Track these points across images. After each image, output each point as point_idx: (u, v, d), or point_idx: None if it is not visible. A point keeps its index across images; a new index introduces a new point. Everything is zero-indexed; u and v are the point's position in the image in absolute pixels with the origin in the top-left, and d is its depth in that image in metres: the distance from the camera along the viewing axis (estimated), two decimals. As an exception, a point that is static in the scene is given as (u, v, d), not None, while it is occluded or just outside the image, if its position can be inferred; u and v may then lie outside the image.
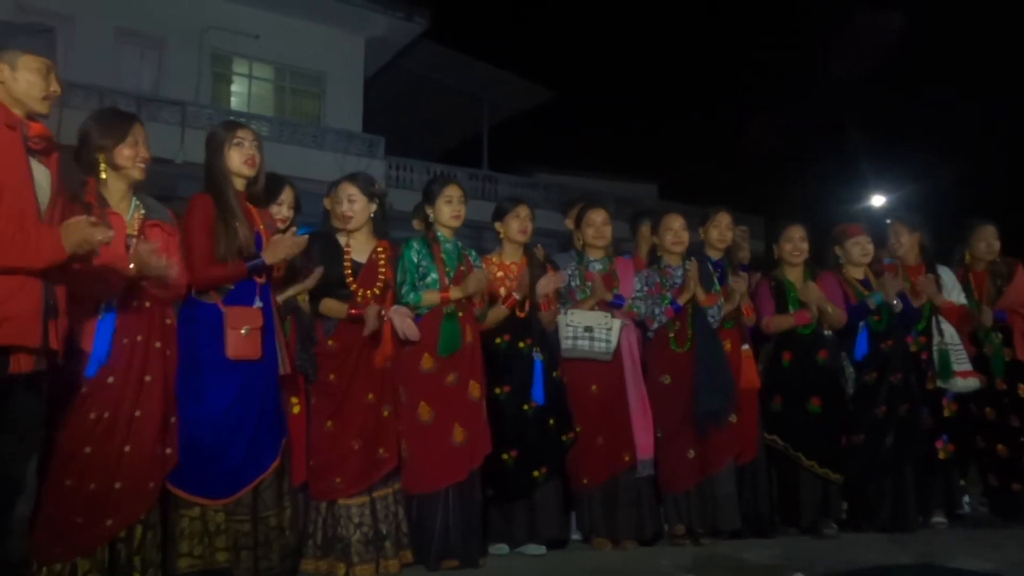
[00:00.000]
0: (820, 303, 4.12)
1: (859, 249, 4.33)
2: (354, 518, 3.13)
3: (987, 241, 4.62)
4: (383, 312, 3.22)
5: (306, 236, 2.96)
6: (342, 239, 3.39)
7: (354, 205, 3.36)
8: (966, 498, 4.76)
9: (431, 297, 3.41)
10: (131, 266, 2.54)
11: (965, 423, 4.45)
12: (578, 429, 3.74)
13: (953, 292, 4.53)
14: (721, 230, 4.18)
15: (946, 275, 4.56)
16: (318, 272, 3.17)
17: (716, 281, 4.07)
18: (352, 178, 3.42)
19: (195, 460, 2.71)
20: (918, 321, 4.39)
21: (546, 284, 3.70)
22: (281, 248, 2.83)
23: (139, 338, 2.65)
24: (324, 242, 3.34)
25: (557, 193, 17.63)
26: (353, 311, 3.22)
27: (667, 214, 4.16)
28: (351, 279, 3.30)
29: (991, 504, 4.60)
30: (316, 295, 3.26)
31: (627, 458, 3.75)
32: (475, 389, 3.42)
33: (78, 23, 13.34)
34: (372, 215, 3.39)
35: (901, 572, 3.18)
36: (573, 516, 3.87)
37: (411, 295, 3.41)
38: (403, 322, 3.24)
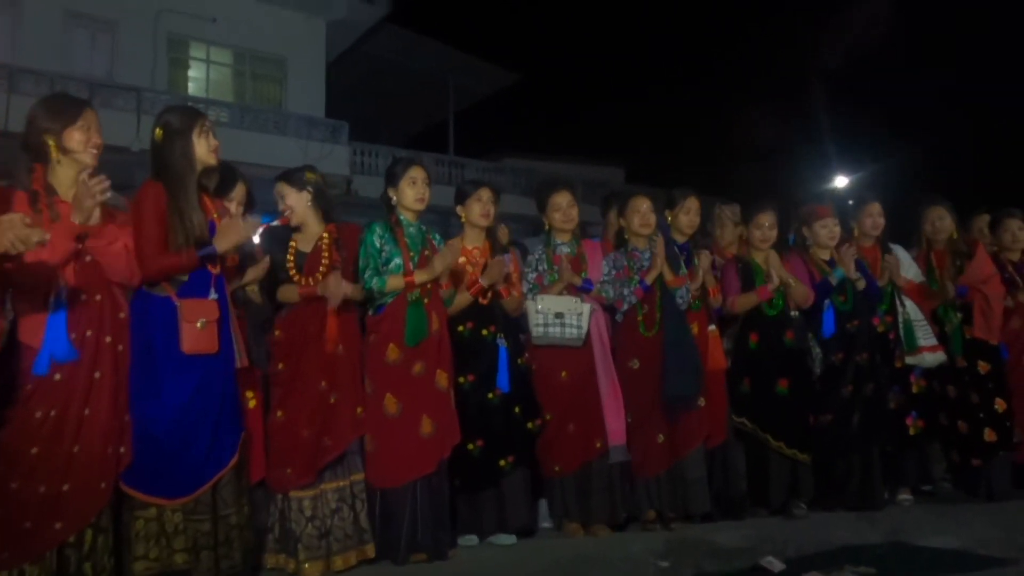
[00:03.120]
0: (782, 274, 4.09)
1: (826, 231, 4.32)
2: (305, 511, 3.06)
3: (931, 223, 4.65)
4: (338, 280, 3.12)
5: (258, 220, 2.86)
6: (290, 231, 3.29)
7: (287, 200, 3.28)
8: (930, 475, 4.82)
9: (395, 282, 3.33)
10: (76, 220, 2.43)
11: (931, 400, 4.51)
12: (547, 416, 3.71)
13: (910, 271, 4.56)
14: (691, 216, 4.14)
15: (901, 253, 4.60)
16: (266, 261, 3.09)
17: (683, 264, 4.04)
18: (282, 176, 3.34)
19: (151, 459, 2.59)
20: (881, 302, 4.42)
21: (489, 274, 3.60)
22: (233, 234, 2.71)
23: (89, 333, 2.52)
24: (274, 235, 3.27)
25: (524, 178, 17.58)
26: (302, 292, 3.14)
27: (634, 196, 4.11)
28: (294, 271, 3.20)
29: (954, 480, 4.67)
30: (271, 286, 3.18)
31: (599, 444, 3.71)
32: (442, 378, 3.35)
33: (24, 5, 12.89)
34: (311, 203, 3.28)
35: (871, 552, 3.19)
36: (542, 504, 3.83)
37: (375, 280, 3.32)
38: (336, 284, 3.12)
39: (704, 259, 4.02)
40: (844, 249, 4.25)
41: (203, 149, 2.76)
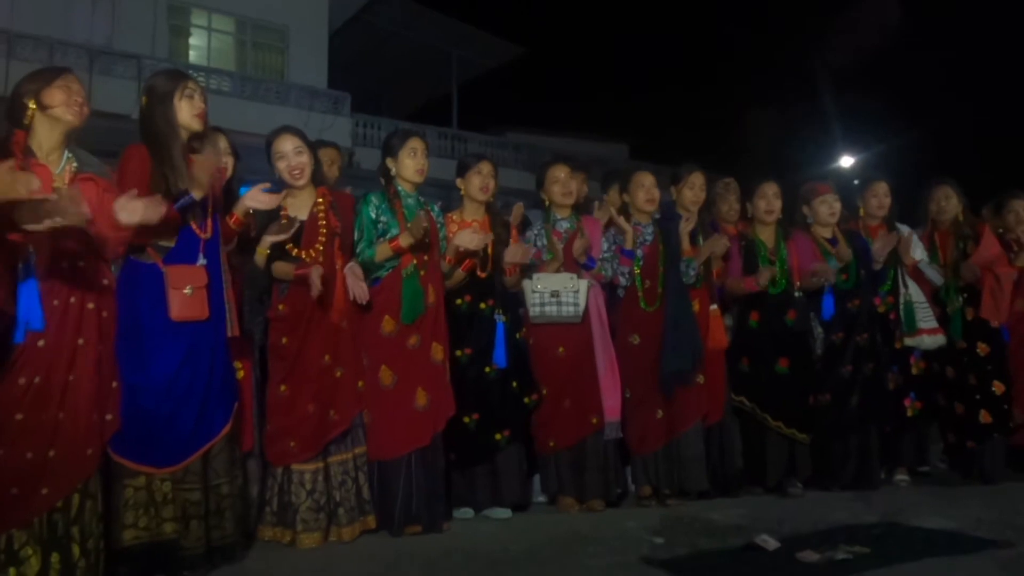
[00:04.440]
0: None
1: (826, 208, 4.28)
2: (306, 484, 3.05)
3: (936, 203, 4.59)
4: (324, 273, 3.04)
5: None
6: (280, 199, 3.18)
7: (301, 157, 3.17)
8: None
9: (384, 250, 3.28)
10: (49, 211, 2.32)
11: (929, 381, 4.49)
12: (544, 391, 3.69)
13: (918, 251, 4.51)
14: (695, 191, 4.07)
15: (907, 233, 4.53)
16: (295, 224, 3.03)
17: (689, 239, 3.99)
18: (290, 129, 3.23)
19: (141, 428, 2.57)
20: (883, 282, 4.38)
21: (513, 255, 3.57)
22: (201, 173, 2.59)
23: (72, 299, 2.48)
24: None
25: (527, 153, 17.47)
26: (299, 271, 3.07)
27: (638, 172, 4.06)
28: (290, 244, 3.11)
29: (950, 461, 4.66)
30: (269, 257, 3.11)
31: (595, 421, 3.69)
32: (438, 351, 3.33)
33: (24, -29, 12.69)
34: (314, 168, 3.23)
35: (867, 531, 3.18)
36: (536, 479, 3.82)
37: (367, 251, 3.28)
38: (355, 284, 3.10)
39: (720, 245, 3.97)
40: (882, 238, 4.21)
41: (186, 113, 2.68)
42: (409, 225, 3.24)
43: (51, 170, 2.51)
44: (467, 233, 3.45)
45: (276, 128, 3.27)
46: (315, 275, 3.00)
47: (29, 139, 2.51)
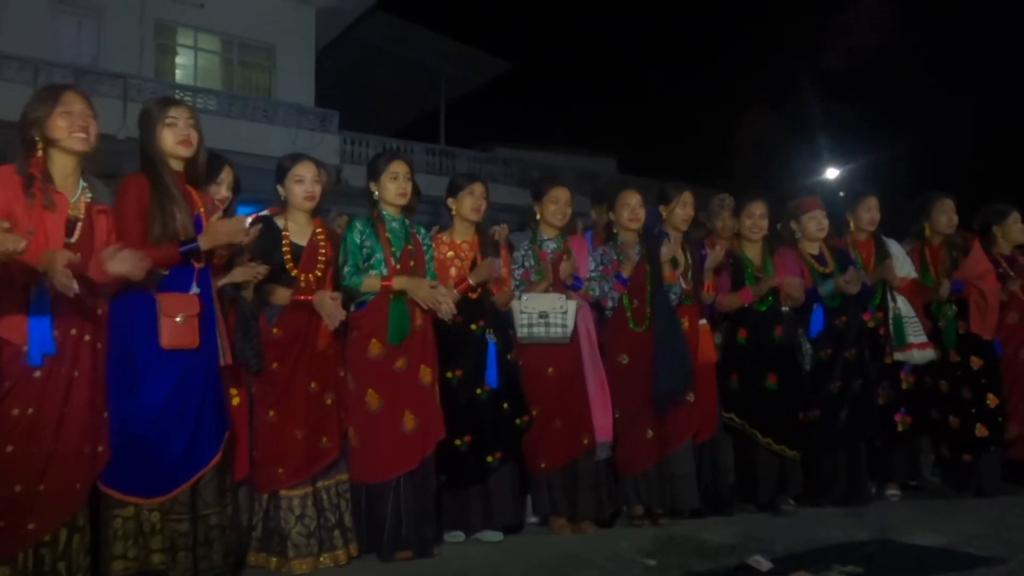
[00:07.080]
0: (793, 293, 4.06)
1: (815, 224, 4.29)
2: (295, 510, 3.02)
3: (947, 215, 4.59)
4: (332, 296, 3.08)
5: (245, 218, 2.78)
6: (279, 221, 3.21)
7: (317, 186, 3.21)
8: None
9: (371, 283, 3.28)
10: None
11: (921, 395, 4.49)
12: (534, 412, 3.67)
13: (905, 266, 4.52)
14: (687, 209, 4.09)
15: (895, 248, 4.56)
16: (262, 268, 2.98)
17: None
18: (310, 157, 3.28)
19: (129, 457, 2.54)
20: (872, 297, 4.39)
21: (479, 275, 3.54)
22: (220, 233, 2.63)
23: (73, 331, 2.47)
24: (264, 227, 3.14)
25: (516, 168, 17.51)
26: (299, 297, 3.07)
27: (624, 190, 4.05)
28: (291, 264, 3.14)
29: (943, 475, 4.66)
30: (259, 282, 3.09)
31: (586, 441, 3.67)
32: (426, 374, 3.31)
33: (10, -9, 12.67)
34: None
35: (860, 549, 3.18)
36: (528, 500, 3.80)
37: (354, 278, 3.28)
38: (333, 311, 3.08)
39: (719, 251, 3.99)
40: (851, 273, 4.18)
41: (169, 142, 2.68)
42: (418, 291, 3.25)
43: (67, 198, 2.51)
44: (480, 271, 3.48)
45: (294, 153, 3.33)
46: (325, 301, 3.02)
47: (48, 163, 2.50)
